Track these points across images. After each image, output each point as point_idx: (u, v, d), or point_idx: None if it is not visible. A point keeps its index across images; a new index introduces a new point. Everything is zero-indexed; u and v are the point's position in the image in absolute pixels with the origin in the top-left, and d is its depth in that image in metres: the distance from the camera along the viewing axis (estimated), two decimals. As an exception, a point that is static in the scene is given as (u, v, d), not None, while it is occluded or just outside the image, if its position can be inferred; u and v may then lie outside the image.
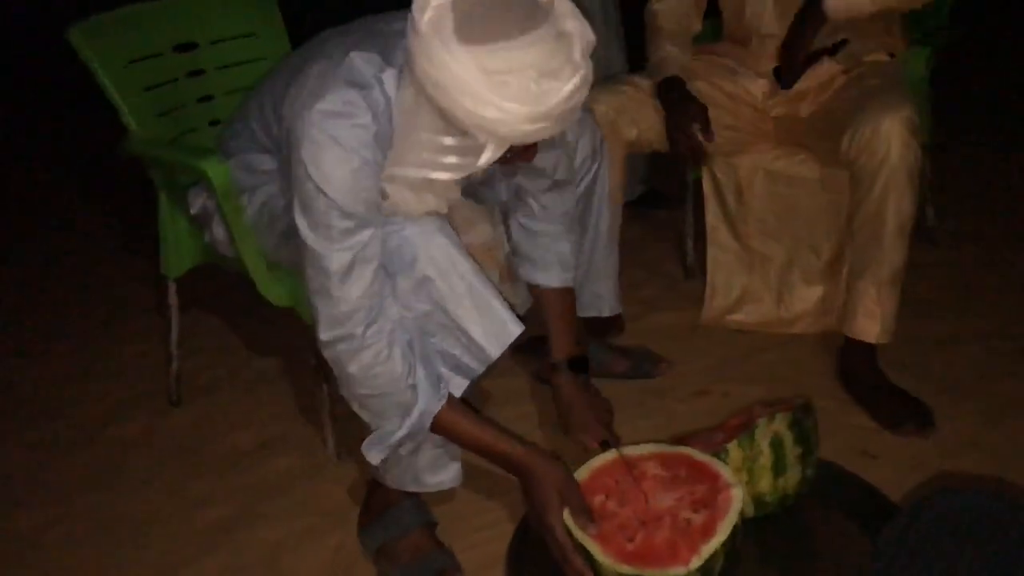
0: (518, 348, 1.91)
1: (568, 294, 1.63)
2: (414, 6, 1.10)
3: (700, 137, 1.75)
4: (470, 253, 1.38)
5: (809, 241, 1.93)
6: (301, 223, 1.22)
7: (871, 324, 1.69)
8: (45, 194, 3.41)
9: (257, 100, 1.47)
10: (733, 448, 1.30)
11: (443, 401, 1.30)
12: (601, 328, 1.92)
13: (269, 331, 2.16)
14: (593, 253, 1.79)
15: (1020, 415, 1.70)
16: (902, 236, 1.65)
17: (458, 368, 1.33)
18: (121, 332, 2.31)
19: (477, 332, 1.29)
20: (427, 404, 1.28)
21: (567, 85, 1.08)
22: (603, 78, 2.09)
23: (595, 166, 1.71)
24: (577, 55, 1.09)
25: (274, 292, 1.59)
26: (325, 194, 1.17)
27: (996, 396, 1.75)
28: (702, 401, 1.82)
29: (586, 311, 1.81)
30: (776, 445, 1.30)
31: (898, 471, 1.55)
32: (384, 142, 1.20)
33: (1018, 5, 4.61)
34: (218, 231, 1.58)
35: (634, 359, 1.89)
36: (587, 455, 1.42)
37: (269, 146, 1.45)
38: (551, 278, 1.60)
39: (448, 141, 1.15)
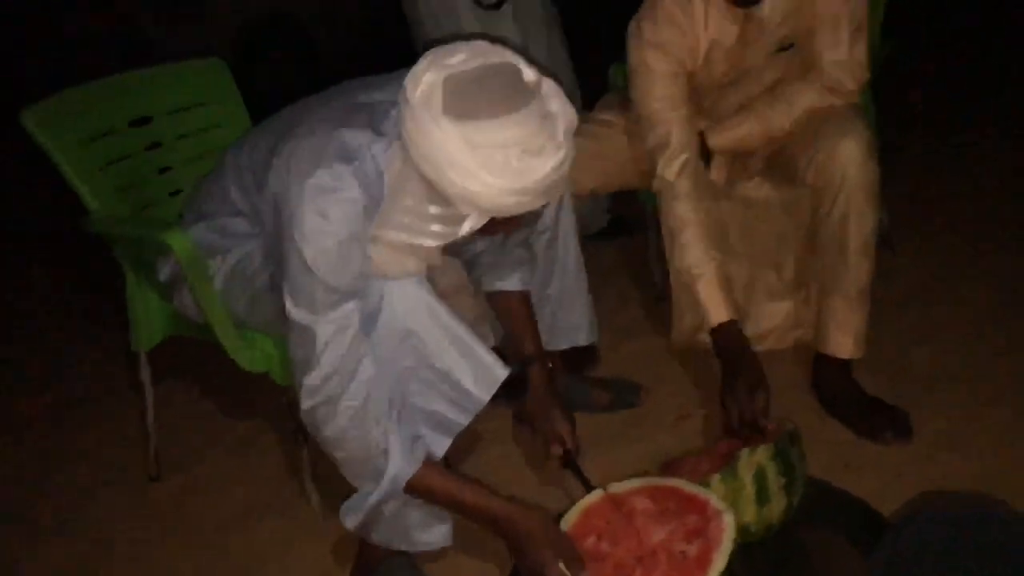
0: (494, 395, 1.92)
1: (528, 298, 1.64)
2: (407, 80, 1.15)
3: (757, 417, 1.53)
4: (445, 299, 1.39)
5: (771, 259, 1.96)
6: (287, 297, 1.22)
7: (844, 340, 1.72)
8: (7, 270, 3.37)
9: (234, 165, 1.47)
10: (716, 482, 1.31)
11: (417, 465, 1.29)
12: (578, 361, 1.93)
13: (244, 396, 2.15)
14: (563, 286, 1.80)
15: (997, 413, 1.73)
16: (866, 253, 1.68)
17: (440, 426, 1.34)
18: (95, 410, 2.28)
19: (467, 380, 1.31)
20: (399, 469, 1.28)
21: (548, 163, 1.12)
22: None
23: (558, 208, 1.73)
24: (560, 135, 1.14)
25: (245, 357, 1.59)
26: (313, 270, 1.18)
27: (972, 395, 1.79)
28: (685, 425, 1.83)
29: (564, 343, 1.81)
30: (759, 477, 1.31)
31: (882, 480, 1.58)
32: (373, 212, 1.21)
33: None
34: (187, 298, 1.58)
35: (614, 390, 1.91)
36: (570, 496, 1.42)
37: (246, 211, 1.45)
38: (512, 283, 1.61)
39: (432, 210, 1.19)
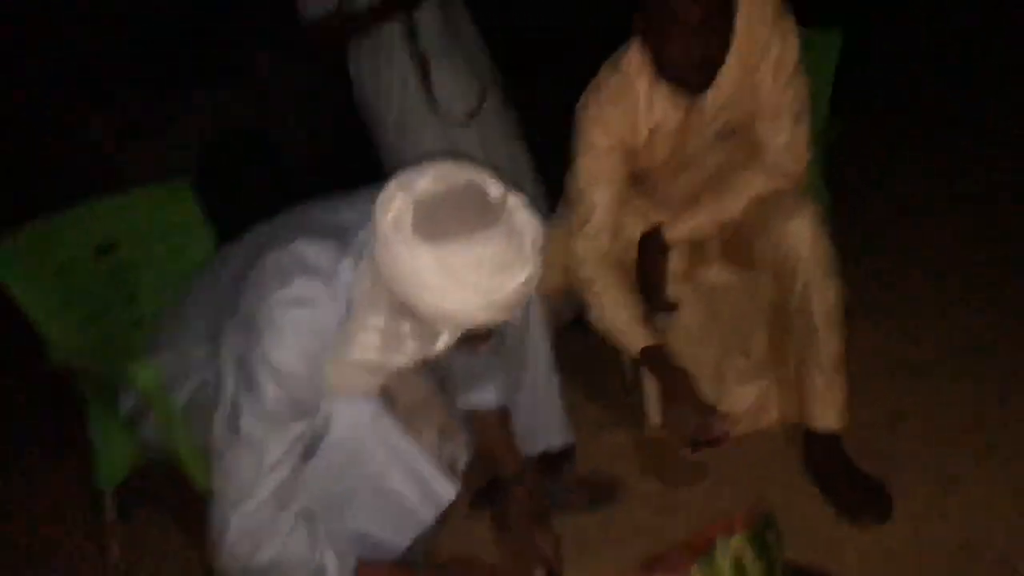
0: (473, 499, 1.90)
1: (506, 412, 1.64)
2: (376, 206, 1.20)
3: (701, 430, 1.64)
4: (408, 412, 1.39)
5: (738, 342, 1.99)
6: (245, 411, 1.21)
7: (827, 413, 1.74)
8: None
9: (199, 290, 1.49)
10: (694, 573, 1.30)
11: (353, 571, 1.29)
12: (553, 459, 1.92)
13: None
14: (535, 388, 1.81)
15: (975, 482, 1.74)
16: (834, 324, 1.72)
17: (376, 548, 1.32)
18: (60, 550, 2.15)
19: (412, 499, 1.30)
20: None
21: (519, 278, 1.18)
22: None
23: (526, 313, 1.75)
24: (528, 249, 1.19)
25: (216, 483, 1.56)
26: (279, 382, 1.19)
27: (948, 468, 1.80)
28: (665, 519, 1.82)
29: (538, 446, 1.81)
30: (736, 564, 1.31)
31: (867, 560, 1.57)
32: (336, 329, 1.23)
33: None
34: (151, 428, 1.57)
35: (590, 488, 1.89)
36: None
37: (207, 336, 1.44)
38: (488, 398, 1.62)
39: (406, 328, 1.22)
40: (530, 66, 3.07)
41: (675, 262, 1.95)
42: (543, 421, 1.84)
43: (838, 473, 1.75)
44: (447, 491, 1.33)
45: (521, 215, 1.22)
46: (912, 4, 6.01)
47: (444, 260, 1.14)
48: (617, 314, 1.80)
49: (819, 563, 1.57)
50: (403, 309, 1.20)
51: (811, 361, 1.73)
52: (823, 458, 1.77)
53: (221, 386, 1.39)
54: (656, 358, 1.76)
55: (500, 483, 1.61)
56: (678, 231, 1.83)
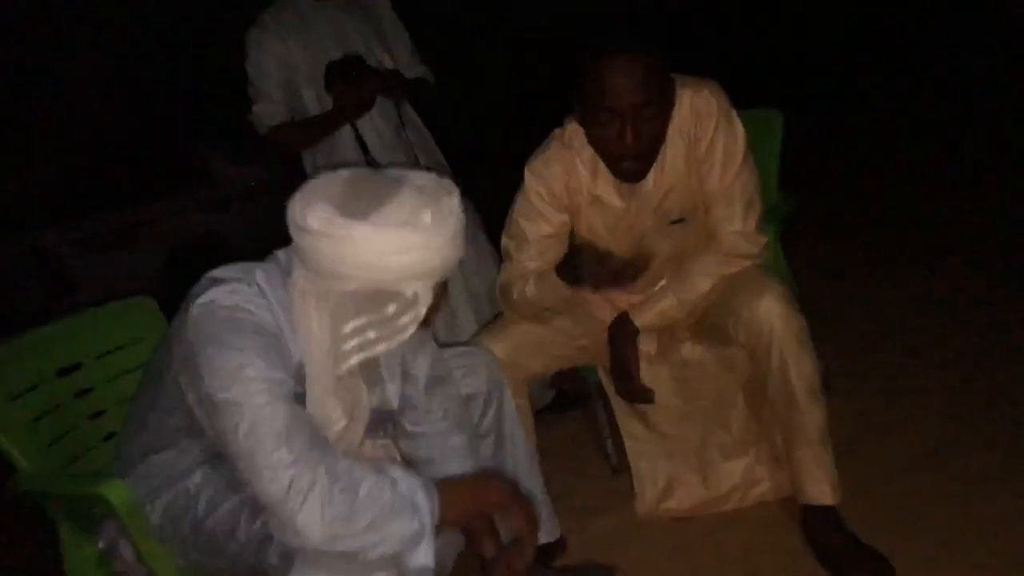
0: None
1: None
2: (291, 220, 1.29)
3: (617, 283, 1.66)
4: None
5: (717, 418, 1.98)
6: (219, 394, 1.24)
7: (820, 487, 1.73)
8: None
9: (147, 387, 1.48)
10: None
11: (429, 480, 1.30)
12: (543, 551, 1.87)
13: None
14: (518, 480, 1.77)
15: (972, 542, 1.73)
16: (814, 397, 1.72)
17: None
18: None
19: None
20: (423, 485, 1.27)
21: (451, 201, 1.30)
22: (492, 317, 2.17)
23: (494, 402, 1.73)
24: (440, 182, 1.33)
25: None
26: (218, 345, 1.25)
27: (942, 528, 1.79)
28: (663, 604, 1.77)
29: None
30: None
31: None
32: (273, 322, 1.31)
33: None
34: (128, 556, 1.50)
35: (585, 578, 1.84)
36: None
37: (178, 425, 1.41)
38: (452, 470, 1.57)
39: (391, 309, 1.29)
40: (487, 163, 3.12)
41: (646, 344, 1.96)
42: None
43: (837, 546, 1.72)
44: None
45: (417, 177, 1.32)
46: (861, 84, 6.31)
47: (382, 223, 1.23)
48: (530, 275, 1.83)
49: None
50: (376, 297, 1.27)
51: (797, 436, 1.73)
52: (821, 532, 1.75)
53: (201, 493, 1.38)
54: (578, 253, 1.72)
55: (483, 565, 1.55)
56: (646, 316, 1.84)
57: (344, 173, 1.32)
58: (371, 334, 1.30)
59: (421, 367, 1.58)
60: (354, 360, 1.32)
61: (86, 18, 5.24)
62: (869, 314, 2.93)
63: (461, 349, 1.75)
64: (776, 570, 1.75)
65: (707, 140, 1.75)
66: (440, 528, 1.29)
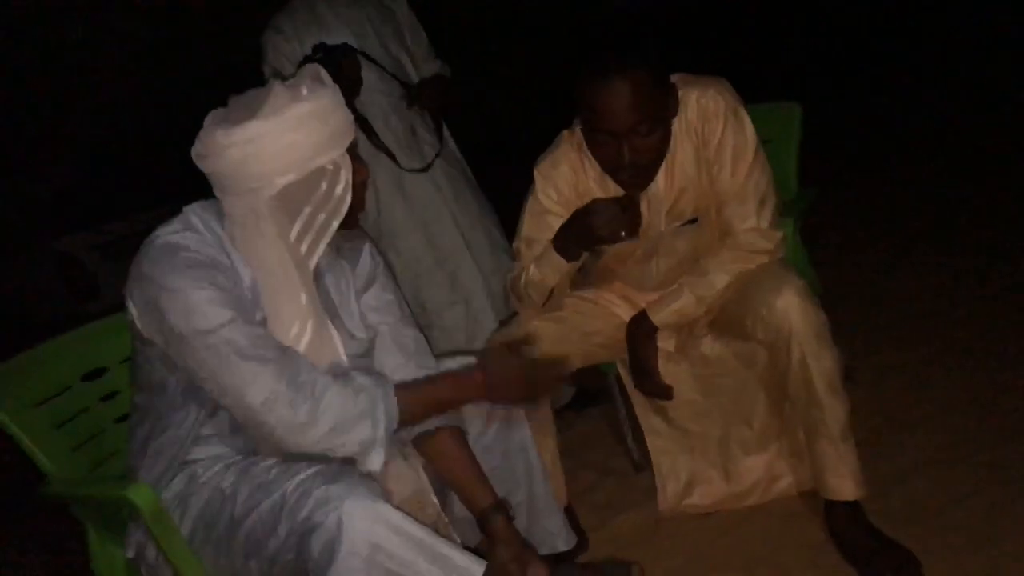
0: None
1: (461, 435, 1.59)
2: (196, 156, 1.39)
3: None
4: (401, 507, 1.36)
5: (738, 413, 1.97)
6: (180, 330, 1.34)
7: (842, 483, 1.71)
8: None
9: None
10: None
11: (391, 388, 1.41)
12: (561, 556, 1.86)
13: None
14: (532, 490, 1.74)
15: (999, 536, 1.71)
16: (835, 391, 1.70)
17: None
18: None
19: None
20: (383, 395, 1.39)
21: (319, 71, 1.43)
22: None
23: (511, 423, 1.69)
24: (308, 74, 1.43)
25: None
26: (171, 287, 1.34)
27: (969, 521, 1.77)
28: (686, 601, 1.77)
29: (542, 549, 1.73)
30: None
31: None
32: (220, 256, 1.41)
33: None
34: (163, 564, 1.51)
35: (606, 574, 1.83)
36: None
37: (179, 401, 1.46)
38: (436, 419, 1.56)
39: (323, 185, 1.38)
40: (505, 161, 3.11)
41: (665, 341, 1.95)
42: (544, 525, 1.76)
43: (862, 541, 1.71)
44: (476, 568, 1.31)
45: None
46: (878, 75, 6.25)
47: (272, 112, 1.33)
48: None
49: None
50: (303, 184, 1.36)
51: (819, 431, 1.72)
52: (846, 527, 1.74)
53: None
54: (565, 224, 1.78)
55: (479, 522, 1.56)
56: (664, 314, 1.84)
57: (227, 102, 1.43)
58: (321, 217, 1.39)
59: (381, 317, 1.60)
60: (318, 251, 1.41)
61: (111, 27, 5.30)
62: (894, 307, 2.90)
63: (462, 360, 1.69)
64: (800, 565, 1.74)
65: (716, 140, 1.75)
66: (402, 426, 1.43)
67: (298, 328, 1.42)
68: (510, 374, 1.53)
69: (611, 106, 1.60)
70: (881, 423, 2.19)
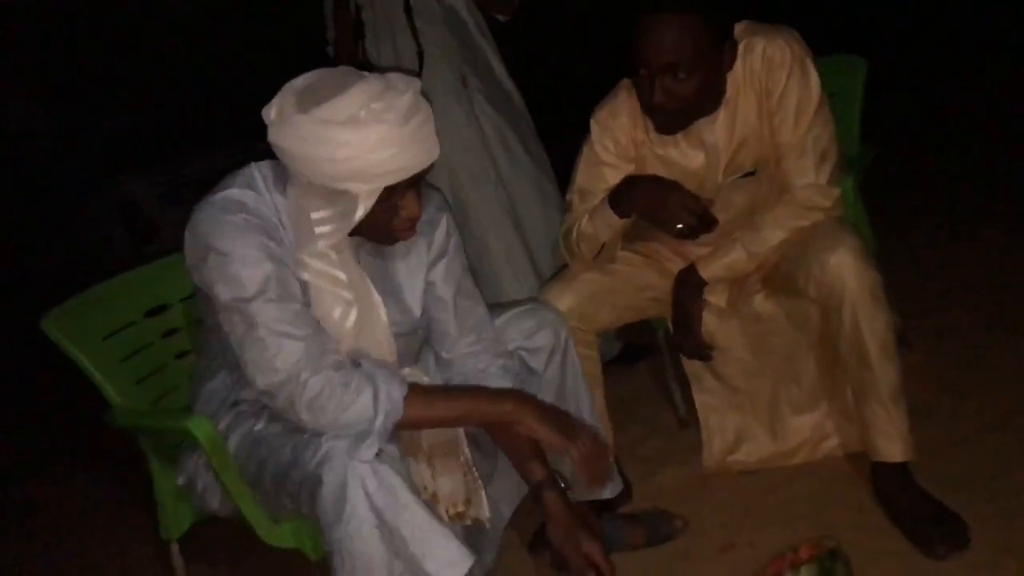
0: (530, 546, 1.88)
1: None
2: (264, 112, 1.35)
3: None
4: (432, 453, 1.41)
5: (788, 372, 1.96)
6: (217, 292, 1.35)
7: (891, 444, 1.70)
8: (30, 463, 3.35)
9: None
10: (767, 610, 1.27)
11: (404, 385, 1.38)
12: (608, 501, 1.89)
13: (277, 573, 2.10)
14: None
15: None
16: (888, 354, 1.68)
17: None
18: None
19: (431, 565, 1.28)
20: (388, 392, 1.36)
21: (403, 98, 1.30)
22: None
23: (558, 357, 1.70)
24: (407, 80, 1.35)
25: (275, 535, 1.56)
26: (218, 250, 1.33)
27: (1018, 494, 1.74)
28: (729, 555, 1.78)
29: (586, 495, 1.77)
30: (809, 600, 1.27)
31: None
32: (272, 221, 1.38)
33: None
34: (209, 492, 1.57)
35: (649, 525, 1.86)
36: None
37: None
38: (495, 378, 1.58)
39: (337, 207, 1.33)
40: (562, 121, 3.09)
41: (717, 297, 1.94)
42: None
43: (908, 503, 1.70)
44: (465, 559, 1.30)
45: (397, 77, 1.34)
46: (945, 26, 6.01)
47: (325, 117, 1.26)
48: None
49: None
50: (325, 192, 1.32)
51: (869, 393, 1.70)
52: (892, 489, 1.72)
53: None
54: (632, 183, 1.77)
55: (532, 492, 1.57)
56: (714, 268, 1.82)
57: (328, 68, 1.37)
58: (327, 226, 1.35)
59: (446, 290, 1.59)
60: (322, 243, 1.37)
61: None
62: (952, 273, 2.83)
63: (520, 310, 1.71)
64: (844, 525, 1.74)
65: (780, 91, 1.71)
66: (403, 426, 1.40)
67: (341, 310, 1.42)
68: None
69: (650, 40, 1.59)
70: (935, 389, 2.16)
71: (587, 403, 1.76)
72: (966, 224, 3.22)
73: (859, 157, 2.14)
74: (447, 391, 1.52)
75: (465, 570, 1.29)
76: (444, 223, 1.60)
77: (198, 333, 1.59)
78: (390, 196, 1.35)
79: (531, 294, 2.26)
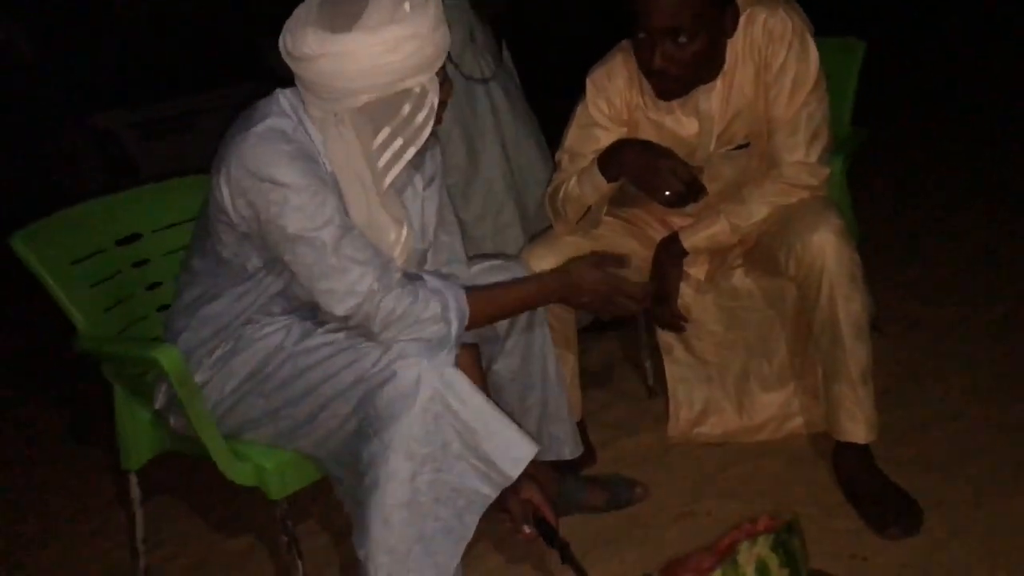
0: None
1: (478, 356, 1.59)
2: (287, 54, 1.36)
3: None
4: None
5: (760, 349, 1.97)
6: (283, 224, 1.35)
7: (855, 426, 1.71)
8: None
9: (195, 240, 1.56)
10: (718, 577, 1.28)
11: (462, 292, 1.44)
12: (571, 462, 1.90)
13: (236, 512, 2.09)
14: (545, 394, 1.77)
15: (1003, 494, 1.71)
16: (860, 335, 1.69)
17: (471, 503, 1.38)
18: (82, 529, 2.21)
19: (497, 455, 1.35)
20: (454, 297, 1.43)
21: None
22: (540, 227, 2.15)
23: (522, 320, 1.70)
24: None
25: (238, 472, 1.55)
26: (279, 182, 1.33)
27: (976, 477, 1.77)
28: (687, 524, 1.79)
29: (547, 455, 1.77)
30: (761, 569, 1.29)
31: (888, 571, 1.55)
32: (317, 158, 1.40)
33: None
34: (180, 418, 1.56)
35: (610, 489, 1.87)
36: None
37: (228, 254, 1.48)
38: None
39: (406, 108, 1.36)
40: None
41: (696, 269, 1.94)
42: (553, 430, 1.80)
43: (867, 484, 1.72)
44: (528, 447, 1.38)
45: None
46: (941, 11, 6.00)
47: (371, 27, 1.30)
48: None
49: (844, 574, 1.54)
50: (387, 103, 1.35)
51: (838, 373, 1.71)
52: (853, 470, 1.74)
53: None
54: (622, 147, 1.76)
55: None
56: (696, 238, 1.82)
57: None
58: (399, 141, 1.37)
59: (430, 219, 1.62)
60: (394, 171, 1.40)
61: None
62: (930, 264, 2.87)
63: (492, 263, 1.72)
64: (802, 502, 1.76)
65: (778, 63, 1.71)
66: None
67: (395, 233, 1.46)
68: (594, 285, 1.55)
69: (654, 5, 1.59)
70: (901, 374, 2.19)
71: (552, 365, 1.76)
72: (947, 213, 3.25)
73: (849, 139, 2.14)
74: (494, 288, 1.56)
75: (530, 460, 1.38)
76: (436, 152, 1.65)
77: (192, 259, 1.55)
78: (445, 78, 1.41)
79: None
